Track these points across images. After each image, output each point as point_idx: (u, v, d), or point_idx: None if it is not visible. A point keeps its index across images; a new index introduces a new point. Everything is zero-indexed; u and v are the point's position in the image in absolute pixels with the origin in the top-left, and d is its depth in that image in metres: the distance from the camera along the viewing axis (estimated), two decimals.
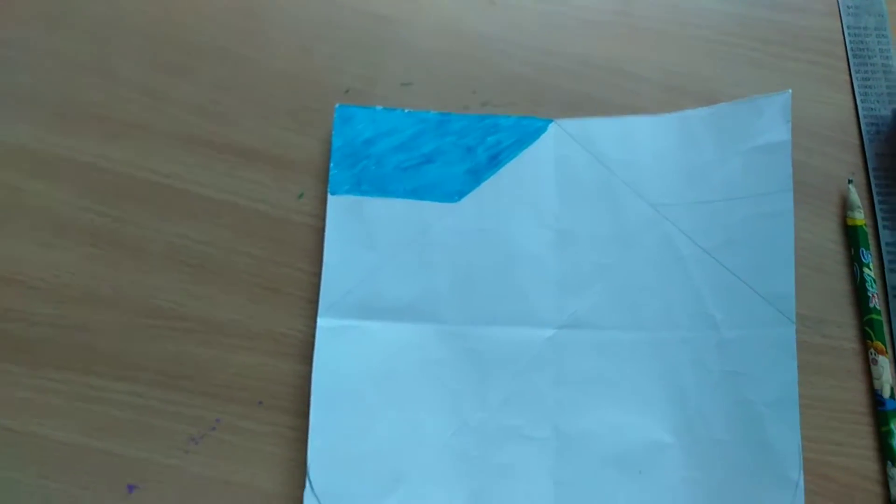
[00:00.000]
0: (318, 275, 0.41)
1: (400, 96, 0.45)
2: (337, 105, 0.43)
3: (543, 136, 0.43)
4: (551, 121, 0.44)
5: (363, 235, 0.41)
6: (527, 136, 0.44)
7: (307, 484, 0.37)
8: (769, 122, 0.43)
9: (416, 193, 0.42)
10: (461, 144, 0.43)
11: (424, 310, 0.40)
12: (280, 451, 0.39)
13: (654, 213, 0.42)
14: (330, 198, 0.42)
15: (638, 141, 0.43)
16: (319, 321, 0.40)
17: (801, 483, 0.38)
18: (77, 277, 0.41)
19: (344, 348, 0.40)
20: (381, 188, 0.42)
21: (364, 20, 0.47)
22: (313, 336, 0.40)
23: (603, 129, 0.44)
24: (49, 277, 0.41)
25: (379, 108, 0.44)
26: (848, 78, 0.47)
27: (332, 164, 0.42)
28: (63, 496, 0.38)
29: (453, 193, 0.42)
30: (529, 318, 0.41)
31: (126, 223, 0.42)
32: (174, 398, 0.40)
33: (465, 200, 0.42)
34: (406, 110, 0.44)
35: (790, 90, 0.43)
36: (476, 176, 0.43)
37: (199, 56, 0.45)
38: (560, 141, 0.43)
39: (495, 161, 0.43)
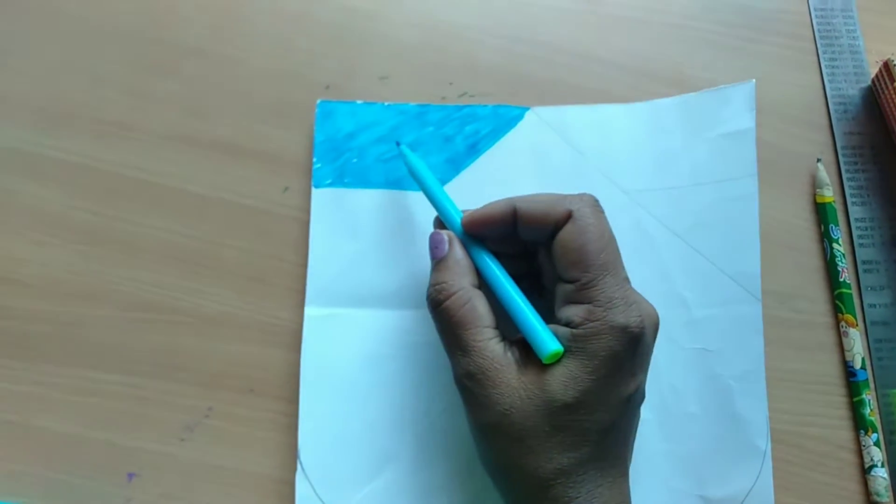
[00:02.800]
0: (304, 265, 0.42)
1: (379, 90, 0.46)
2: (319, 101, 0.44)
3: (520, 124, 0.44)
4: (528, 108, 0.45)
5: (347, 226, 0.42)
6: (504, 125, 0.44)
7: (298, 467, 0.39)
8: (735, 110, 0.44)
9: (398, 184, 0.43)
10: (440, 134, 0.44)
11: (408, 296, 0.42)
12: (272, 437, 0.40)
13: (627, 199, 0.43)
14: (314, 191, 0.43)
15: (611, 128, 0.44)
16: (307, 310, 0.41)
17: (769, 451, 0.39)
18: (71, 274, 0.42)
19: (331, 335, 0.41)
20: (364, 180, 0.43)
21: (340, 15, 0.47)
22: (301, 325, 0.41)
23: (578, 117, 0.44)
24: (44, 275, 0.42)
25: (359, 102, 0.45)
26: (815, 59, 0.47)
27: (315, 159, 0.43)
28: (64, 486, 0.40)
29: None
30: None
31: (116, 221, 0.43)
32: (168, 388, 0.41)
33: (446, 189, 0.43)
34: (385, 103, 0.45)
35: (754, 80, 0.44)
36: (455, 165, 0.44)
37: (181, 56, 0.46)
38: (536, 128, 0.44)
39: (474, 150, 0.44)
